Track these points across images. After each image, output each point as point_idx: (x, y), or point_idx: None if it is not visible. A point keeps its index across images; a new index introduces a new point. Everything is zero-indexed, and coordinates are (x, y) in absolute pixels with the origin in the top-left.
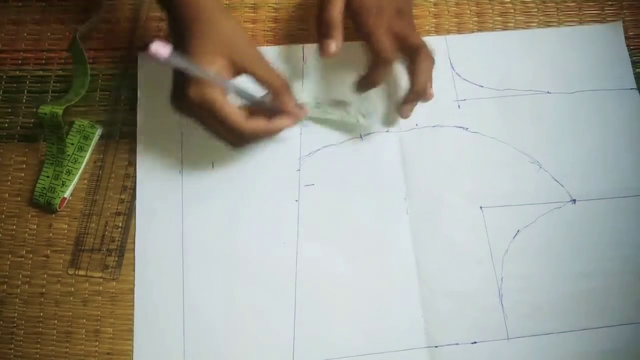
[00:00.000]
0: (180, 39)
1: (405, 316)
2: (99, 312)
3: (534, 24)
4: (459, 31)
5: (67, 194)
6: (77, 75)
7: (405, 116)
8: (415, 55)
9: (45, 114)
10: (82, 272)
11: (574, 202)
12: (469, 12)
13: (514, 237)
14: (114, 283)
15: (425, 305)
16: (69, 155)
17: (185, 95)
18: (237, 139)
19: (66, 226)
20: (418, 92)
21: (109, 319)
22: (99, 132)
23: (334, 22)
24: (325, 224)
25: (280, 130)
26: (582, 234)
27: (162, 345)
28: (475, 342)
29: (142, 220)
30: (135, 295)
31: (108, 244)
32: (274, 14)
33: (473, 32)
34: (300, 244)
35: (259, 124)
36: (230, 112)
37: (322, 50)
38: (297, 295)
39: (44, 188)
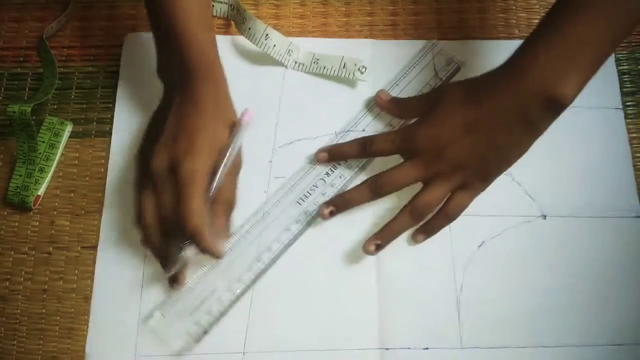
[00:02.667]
0: (183, 88)
1: (361, 316)
2: None
3: (536, 21)
4: (461, 28)
5: (40, 192)
6: (46, 76)
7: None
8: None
9: (14, 112)
10: (84, 269)
11: (544, 218)
12: (471, 8)
13: (478, 247)
14: None
15: (382, 306)
16: (40, 153)
17: (177, 164)
18: (170, 222)
19: (68, 223)
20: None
21: None
22: (69, 128)
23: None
24: (301, 227)
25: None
26: (548, 250)
27: (115, 332)
28: (427, 348)
29: (108, 211)
30: (93, 290)
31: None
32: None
33: (475, 30)
34: (262, 236)
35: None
36: (196, 202)
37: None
38: (254, 286)
39: (17, 187)
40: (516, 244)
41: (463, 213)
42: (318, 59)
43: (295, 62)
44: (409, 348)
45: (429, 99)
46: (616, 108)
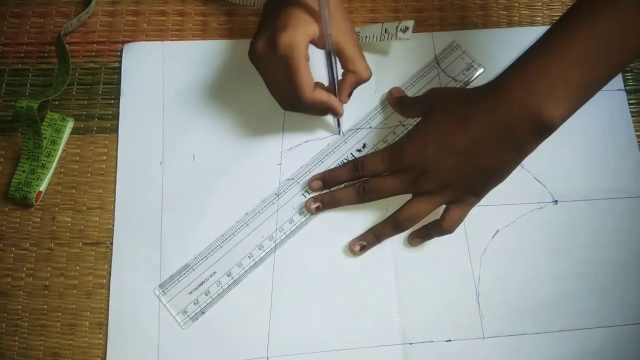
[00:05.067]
0: None
1: (381, 313)
2: (103, 305)
3: (539, 18)
4: (463, 25)
5: (42, 188)
6: (59, 73)
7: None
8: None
9: (22, 107)
10: (85, 265)
11: (556, 203)
12: (473, 5)
13: (493, 237)
14: None
15: (401, 302)
16: (42, 148)
17: (274, 39)
18: (292, 101)
19: (69, 219)
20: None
21: None
22: (70, 124)
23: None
24: (304, 219)
25: (332, 110)
26: (562, 235)
27: (136, 338)
28: (450, 340)
29: (121, 211)
30: (111, 287)
31: (111, 236)
32: None
33: (477, 26)
34: (279, 237)
35: (322, 96)
36: (303, 73)
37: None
38: (273, 289)
39: (20, 183)
40: (530, 231)
41: (477, 204)
42: (359, 32)
43: None
44: (431, 341)
45: (424, 105)
46: (619, 89)
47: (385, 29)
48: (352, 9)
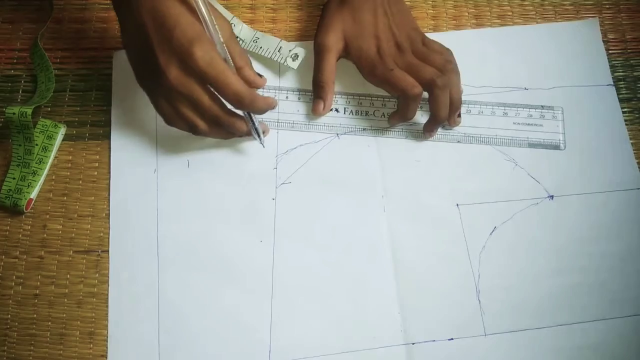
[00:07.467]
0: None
1: (382, 314)
2: (94, 314)
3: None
4: (458, 26)
5: (33, 195)
6: (41, 81)
7: (430, 137)
8: (429, 90)
9: (14, 114)
10: (76, 274)
11: (552, 198)
12: (467, 14)
13: (490, 234)
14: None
15: (402, 302)
16: (34, 155)
17: (191, 58)
18: (223, 119)
19: (60, 227)
20: (437, 122)
21: (104, 321)
22: (62, 131)
23: (324, 83)
24: (302, 222)
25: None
26: (559, 230)
27: (136, 346)
28: (452, 339)
29: (116, 220)
30: (109, 295)
31: (103, 244)
32: (272, 14)
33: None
34: (277, 242)
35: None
36: (234, 75)
37: (313, 110)
38: (273, 294)
39: (10, 190)
40: (527, 227)
41: (472, 202)
42: (258, 38)
43: (237, 37)
44: (434, 340)
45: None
46: (607, 84)
47: (280, 48)
48: None
